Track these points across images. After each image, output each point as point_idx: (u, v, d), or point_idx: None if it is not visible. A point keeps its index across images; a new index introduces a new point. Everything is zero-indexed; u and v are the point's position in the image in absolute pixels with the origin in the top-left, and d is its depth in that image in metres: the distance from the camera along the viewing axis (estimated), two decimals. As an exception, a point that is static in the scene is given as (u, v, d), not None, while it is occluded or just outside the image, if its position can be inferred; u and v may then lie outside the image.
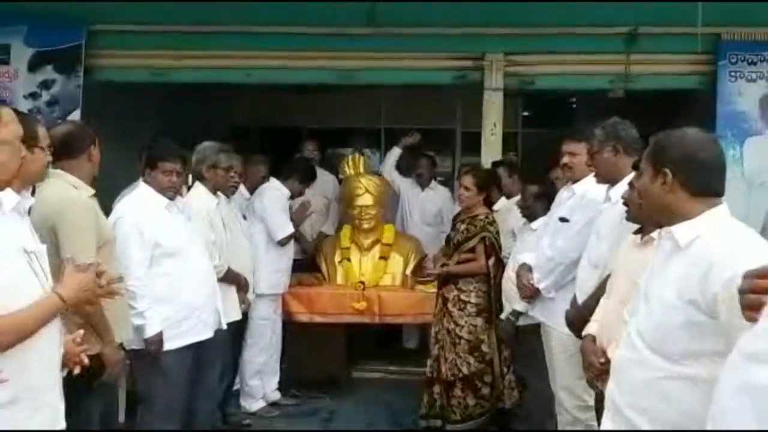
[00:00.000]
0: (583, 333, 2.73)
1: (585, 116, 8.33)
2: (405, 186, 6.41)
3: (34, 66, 5.51)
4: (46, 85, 5.51)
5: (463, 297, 4.54)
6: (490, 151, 5.55)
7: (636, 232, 2.61)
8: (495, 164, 5.34)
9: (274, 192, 5.05)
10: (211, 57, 5.60)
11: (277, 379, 5.19)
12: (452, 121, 9.07)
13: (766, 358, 1.34)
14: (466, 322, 4.52)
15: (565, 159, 3.61)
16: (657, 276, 2.01)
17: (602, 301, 2.74)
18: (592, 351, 2.56)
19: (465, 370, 4.51)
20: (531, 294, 3.77)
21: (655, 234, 2.39)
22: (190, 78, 5.75)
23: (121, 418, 4.45)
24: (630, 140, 2.95)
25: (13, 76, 5.51)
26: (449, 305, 4.57)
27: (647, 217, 2.24)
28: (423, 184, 6.41)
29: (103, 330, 2.89)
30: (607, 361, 2.40)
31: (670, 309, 1.88)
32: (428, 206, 6.40)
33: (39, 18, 5.42)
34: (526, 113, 9.45)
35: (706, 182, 2.01)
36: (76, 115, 5.35)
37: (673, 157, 2.02)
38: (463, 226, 4.63)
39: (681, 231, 1.97)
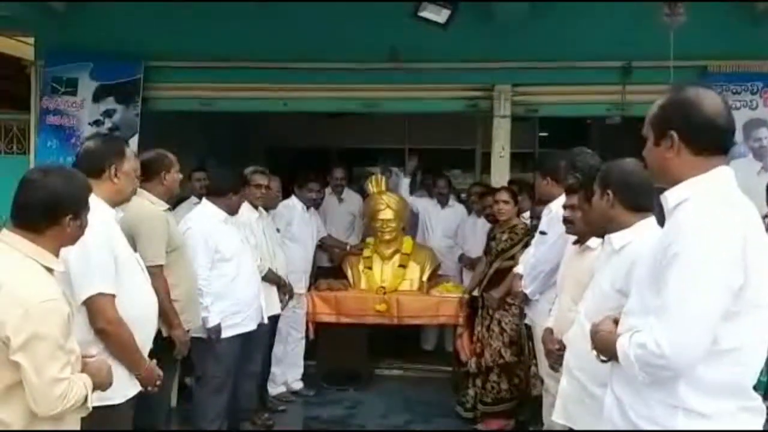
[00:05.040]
0: (543, 327, 3.37)
1: (598, 136, 8.88)
2: (425, 204, 7.06)
3: (98, 97, 6.21)
4: (108, 114, 6.20)
5: (509, 299, 4.89)
6: (499, 171, 6.15)
7: (575, 243, 3.25)
8: (510, 183, 5.78)
9: (295, 212, 5.78)
10: (252, 89, 6.29)
11: (299, 370, 5.85)
12: (473, 141, 9.60)
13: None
14: (509, 321, 4.97)
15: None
16: (599, 272, 2.67)
17: (556, 299, 3.38)
18: (549, 340, 3.20)
19: (507, 357, 4.96)
20: (523, 299, 4.41)
21: (591, 243, 3.04)
22: (233, 107, 6.47)
23: (173, 402, 5.16)
24: (585, 168, 3.56)
25: (80, 106, 6.22)
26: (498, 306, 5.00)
27: (590, 228, 2.86)
28: (443, 203, 7.04)
29: (172, 316, 3.57)
30: (562, 347, 3.04)
31: (605, 296, 2.53)
32: (448, 222, 6.99)
33: (103, 56, 6.15)
34: (542, 134, 10.01)
35: (638, 200, 2.65)
36: (134, 141, 5.99)
37: (613, 180, 2.67)
38: (505, 236, 5.08)
39: (617, 237, 2.62)
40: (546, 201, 4.26)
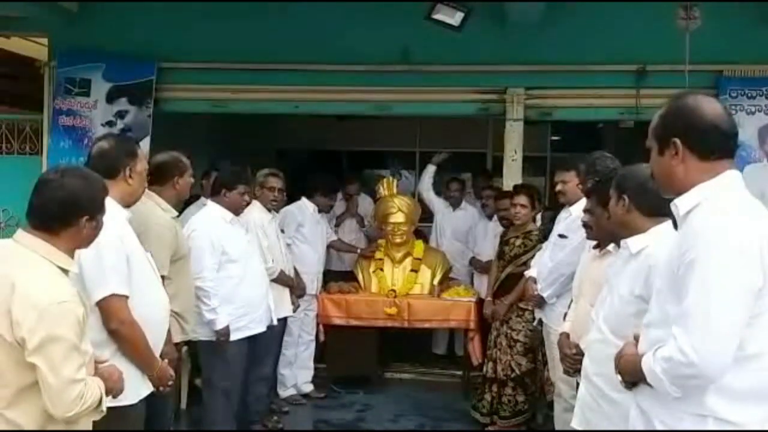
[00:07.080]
0: (560, 331, 3.34)
1: (611, 140, 8.85)
2: (439, 206, 7.03)
3: (110, 98, 6.19)
4: (120, 115, 6.19)
5: (521, 305, 4.88)
6: (511, 175, 6.09)
7: (595, 247, 3.21)
8: (516, 188, 5.71)
9: (308, 214, 5.76)
10: (264, 91, 6.26)
11: (309, 373, 5.83)
12: (484, 145, 9.59)
13: None
14: (523, 327, 4.91)
15: (558, 186, 4.21)
16: (617, 277, 2.64)
17: (572, 303, 3.34)
18: (566, 344, 3.17)
19: (517, 370, 4.91)
20: (538, 302, 4.36)
21: (610, 248, 3.01)
22: (245, 109, 6.44)
23: (183, 404, 5.16)
24: (605, 172, 3.53)
25: (93, 106, 6.21)
26: (508, 312, 4.96)
27: (604, 233, 2.83)
28: (455, 205, 6.99)
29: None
30: (579, 352, 3.01)
31: (625, 302, 2.50)
32: (460, 225, 6.95)
33: (116, 57, 6.15)
34: (554, 138, 9.97)
35: (654, 205, 2.62)
36: (146, 142, 5.97)
37: (629, 186, 2.65)
38: (519, 241, 5.03)
39: (633, 242, 2.60)
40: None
